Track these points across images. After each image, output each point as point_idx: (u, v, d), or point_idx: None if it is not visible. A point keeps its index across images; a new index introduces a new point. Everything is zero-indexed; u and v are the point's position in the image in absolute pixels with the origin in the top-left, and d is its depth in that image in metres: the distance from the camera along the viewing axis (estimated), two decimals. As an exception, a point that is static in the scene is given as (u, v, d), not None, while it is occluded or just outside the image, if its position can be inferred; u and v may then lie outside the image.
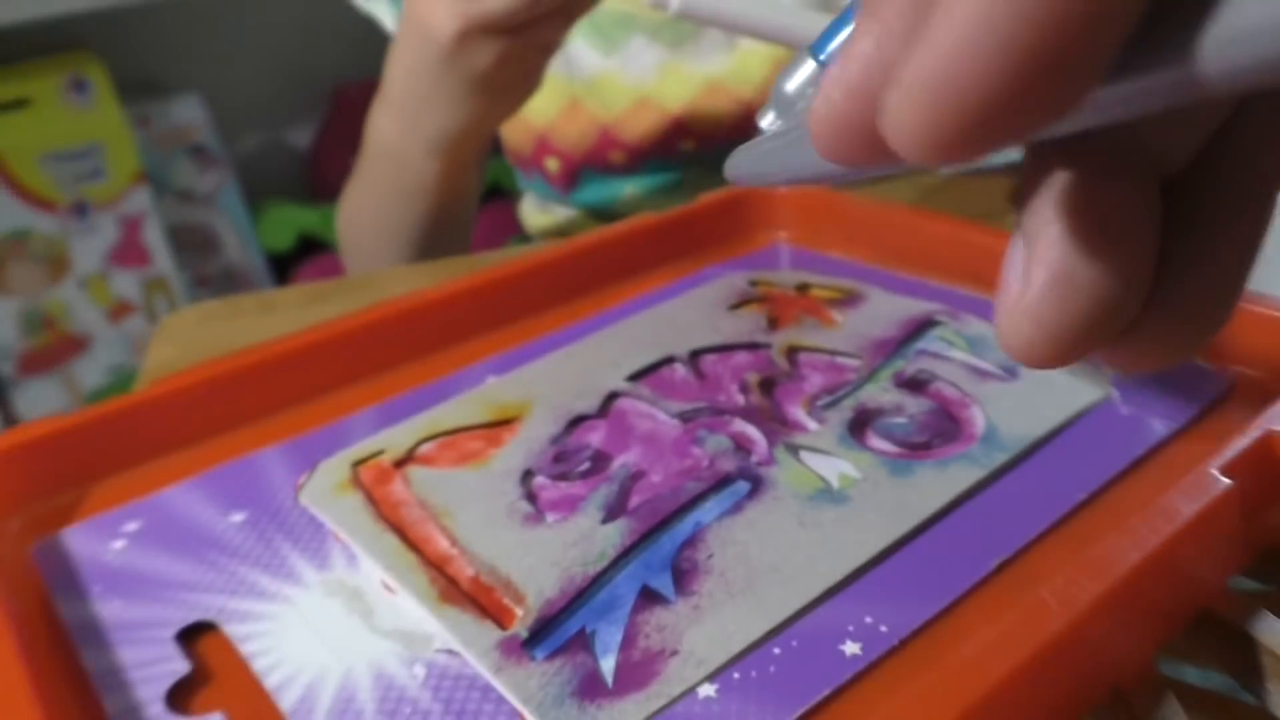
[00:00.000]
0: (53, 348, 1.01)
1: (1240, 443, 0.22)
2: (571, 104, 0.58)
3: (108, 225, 1.00)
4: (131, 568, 0.25)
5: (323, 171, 1.19)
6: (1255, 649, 0.20)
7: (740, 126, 0.56)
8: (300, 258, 1.15)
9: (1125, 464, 0.24)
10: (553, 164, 0.60)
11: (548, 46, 0.45)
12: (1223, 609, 0.21)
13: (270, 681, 0.21)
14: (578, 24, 0.53)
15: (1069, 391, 0.27)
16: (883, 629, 0.20)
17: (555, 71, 0.56)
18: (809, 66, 0.22)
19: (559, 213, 0.63)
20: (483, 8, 0.41)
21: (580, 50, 0.57)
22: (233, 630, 0.22)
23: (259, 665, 0.21)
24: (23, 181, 0.96)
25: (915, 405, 0.27)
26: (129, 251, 1.01)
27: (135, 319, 1.03)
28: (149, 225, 1.02)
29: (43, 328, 1.01)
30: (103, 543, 0.26)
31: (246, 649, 0.22)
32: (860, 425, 0.27)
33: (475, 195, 0.56)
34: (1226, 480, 0.21)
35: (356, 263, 0.58)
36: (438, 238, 0.54)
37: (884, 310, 0.33)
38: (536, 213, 0.65)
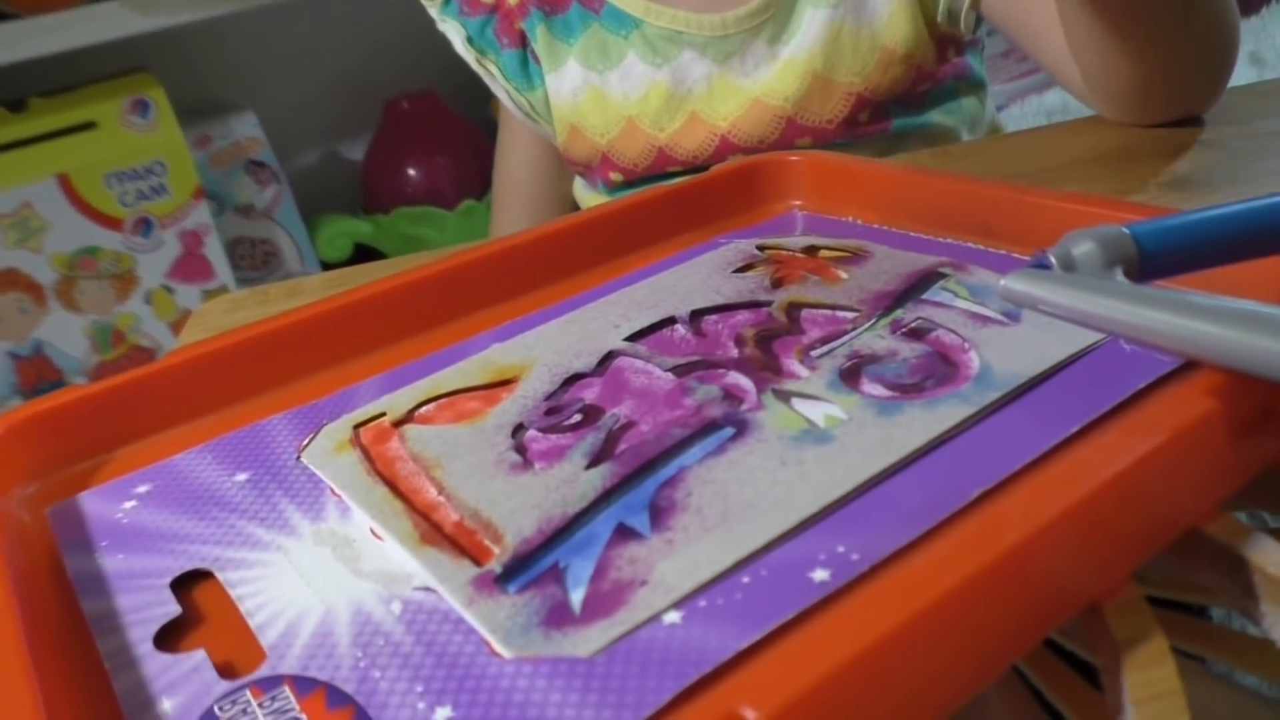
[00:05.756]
0: (123, 361, 1.05)
1: (1232, 364, 0.21)
2: (629, 125, 0.61)
3: (171, 241, 1.03)
4: (138, 525, 0.25)
5: (375, 183, 1.21)
6: (1247, 570, 0.19)
7: (779, 143, 0.57)
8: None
9: (1122, 397, 0.24)
10: (616, 176, 0.64)
11: None
12: (1213, 531, 0.20)
13: (254, 621, 0.21)
14: (631, 40, 0.57)
15: (1071, 333, 0.27)
16: (854, 557, 0.20)
17: (611, 90, 0.61)
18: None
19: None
20: None
21: (633, 64, 0.60)
22: (226, 577, 0.23)
23: (246, 607, 0.22)
24: (89, 201, 0.99)
25: (910, 350, 0.27)
26: (191, 265, 1.05)
27: (199, 331, 1.06)
28: (209, 240, 1.05)
29: (113, 343, 1.04)
30: (114, 504, 0.26)
31: (236, 593, 0.22)
32: (853, 371, 0.27)
33: None
34: (1211, 400, 0.20)
35: None
36: None
37: (888, 265, 0.32)
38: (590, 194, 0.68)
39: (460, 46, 0.65)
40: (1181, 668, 0.18)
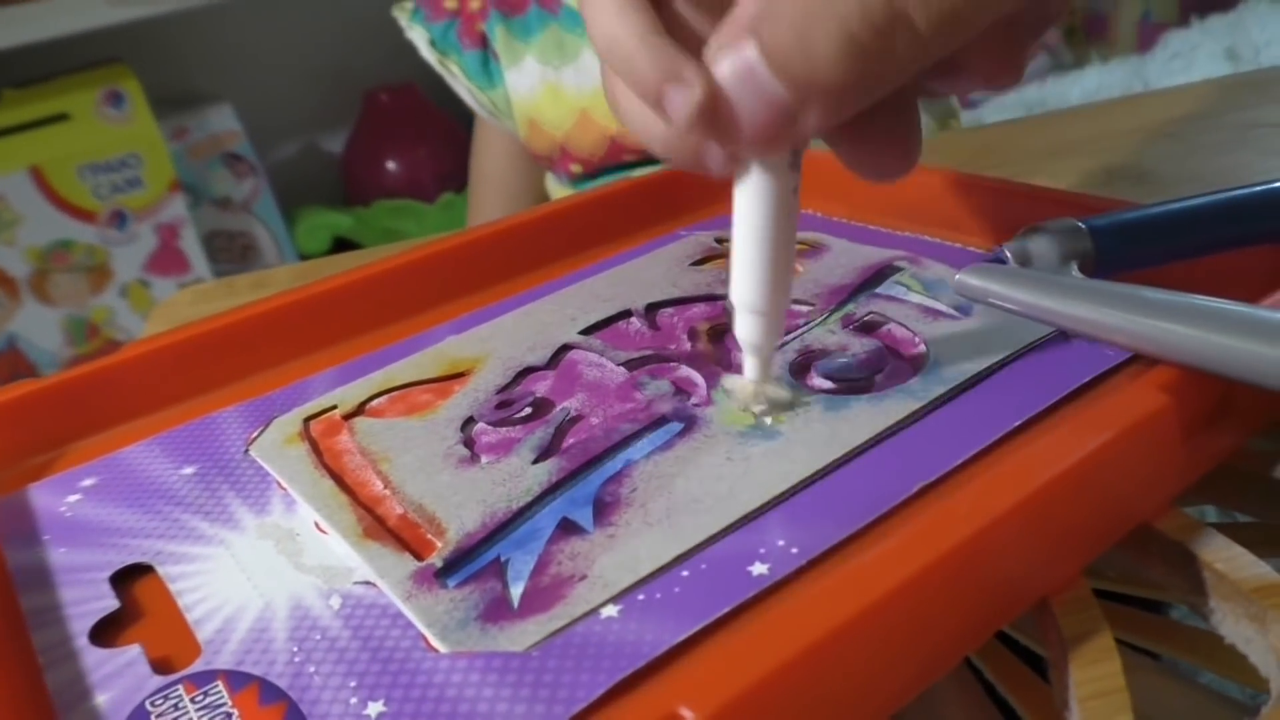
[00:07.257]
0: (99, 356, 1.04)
1: (1176, 359, 0.21)
2: (582, 116, 0.63)
3: (146, 234, 1.03)
4: (82, 518, 0.25)
5: (355, 176, 1.21)
6: (1197, 566, 0.19)
7: None
8: (335, 261, 1.17)
9: (1069, 390, 0.24)
10: (576, 168, 0.65)
11: None
12: (1164, 527, 0.20)
13: (192, 616, 0.21)
14: (587, 37, 0.58)
15: (1020, 326, 0.27)
16: (793, 550, 0.20)
17: (566, 84, 0.63)
18: None
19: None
20: None
21: (589, 59, 0.61)
22: (166, 571, 0.23)
23: (185, 602, 0.22)
24: (63, 194, 0.99)
25: (860, 345, 0.27)
26: (167, 259, 1.04)
27: (175, 324, 1.06)
28: (185, 232, 1.04)
29: (88, 337, 1.04)
30: (59, 497, 0.26)
31: (176, 587, 0.22)
32: (803, 366, 0.26)
33: None
34: (1163, 395, 0.20)
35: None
36: None
37: (844, 259, 0.32)
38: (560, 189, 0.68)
39: (425, 50, 0.69)
40: (1137, 664, 0.18)
